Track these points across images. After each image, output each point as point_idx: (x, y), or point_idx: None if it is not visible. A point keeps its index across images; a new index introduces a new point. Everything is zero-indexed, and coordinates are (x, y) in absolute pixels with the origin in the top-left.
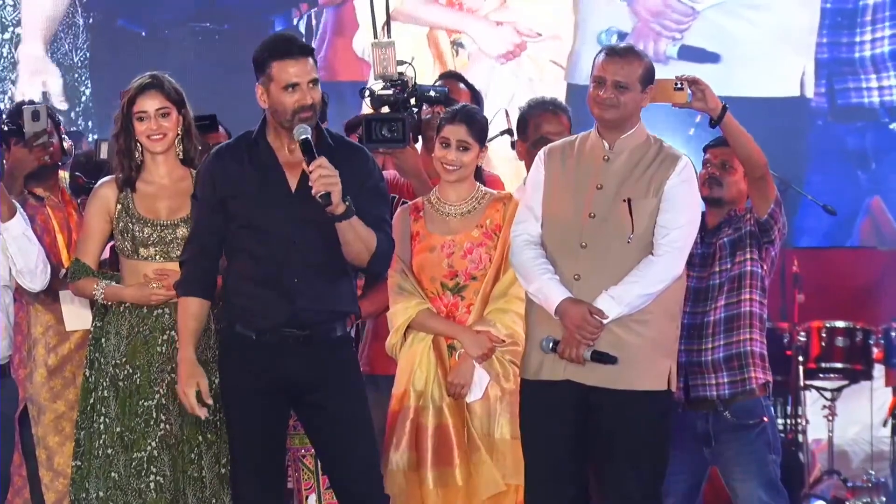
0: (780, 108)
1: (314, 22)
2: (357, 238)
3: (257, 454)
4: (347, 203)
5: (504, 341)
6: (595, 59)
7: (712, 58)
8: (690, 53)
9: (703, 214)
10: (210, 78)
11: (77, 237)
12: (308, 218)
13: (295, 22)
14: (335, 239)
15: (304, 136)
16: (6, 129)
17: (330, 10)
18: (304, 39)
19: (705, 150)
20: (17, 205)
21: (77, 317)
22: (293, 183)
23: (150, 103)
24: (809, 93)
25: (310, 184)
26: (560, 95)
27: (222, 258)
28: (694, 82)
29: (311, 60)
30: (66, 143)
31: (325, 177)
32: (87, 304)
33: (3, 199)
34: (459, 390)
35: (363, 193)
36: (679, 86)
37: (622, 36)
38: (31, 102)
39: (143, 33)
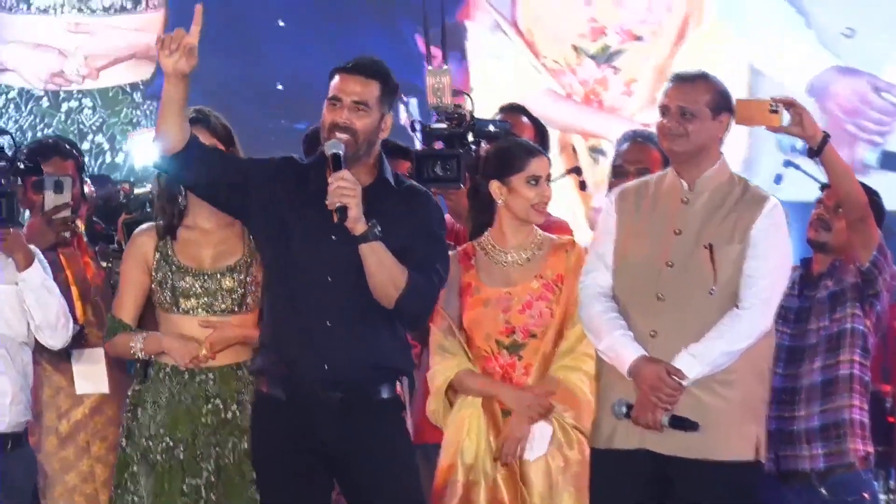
0: None
1: None
2: (380, 267)
3: None
4: (370, 224)
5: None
6: (662, 90)
7: None
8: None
9: (808, 262)
10: None
11: (93, 289)
12: (350, 257)
13: None
14: None
15: (333, 151)
16: (23, 166)
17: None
18: None
19: (822, 188)
20: (37, 252)
21: (89, 379)
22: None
23: None
24: None
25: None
26: None
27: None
28: (791, 104)
29: (375, 85)
30: (87, 188)
31: (343, 188)
32: (101, 365)
33: (20, 246)
34: (514, 447)
35: (414, 231)
36: (774, 108)
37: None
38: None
39: None
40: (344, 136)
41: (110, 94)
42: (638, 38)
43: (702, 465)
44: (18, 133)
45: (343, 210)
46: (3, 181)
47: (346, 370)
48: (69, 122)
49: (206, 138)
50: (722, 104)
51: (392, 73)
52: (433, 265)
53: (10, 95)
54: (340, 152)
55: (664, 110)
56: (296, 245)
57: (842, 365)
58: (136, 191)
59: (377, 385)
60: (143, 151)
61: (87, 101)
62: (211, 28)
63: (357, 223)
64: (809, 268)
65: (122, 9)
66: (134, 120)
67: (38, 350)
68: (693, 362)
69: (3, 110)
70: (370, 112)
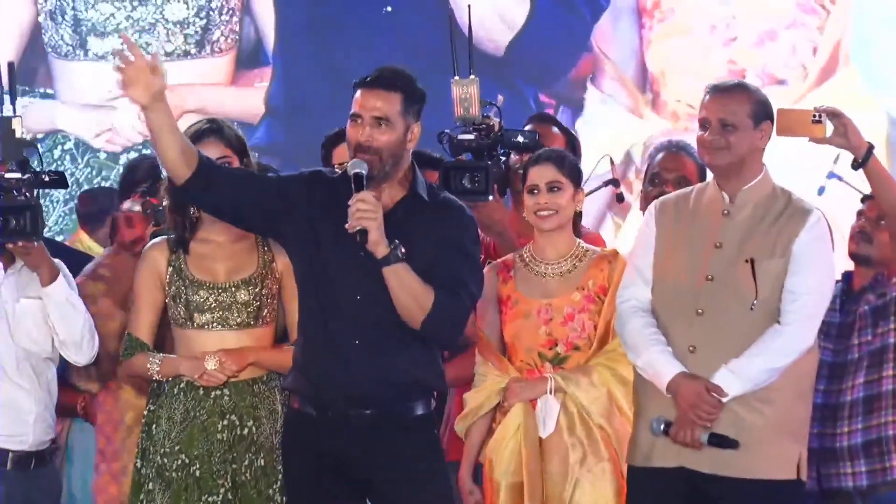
0: None
1: None
2: (404, 290)
3: None
4: (393, 247)
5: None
6: (701, 102)
7: None
8: None
9: (850, 276)
10: None
11: None
12: (379, 274)
13: None
14: None
15: (356, 171)
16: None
17: None
18: None
19: (863, 200)
20: (62, 266)
21: None
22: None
23: (207, 153)
24: None
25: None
26: None
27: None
28: (835, 115)
29: (396, 96)
30: None
31: (363, 210)
32: None
33: (44, 260)
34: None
35: (445, 247)
36: (817, 118)
37: None
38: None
39: None
40: (366, 156)
41: None
42: (781, 83)
43: (742, 484)
44: (75, 186)
45: (364, 233)
46: (27, 194)
47: (374, 387)
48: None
49: (219, 150)
50: (762, 113)
51: (415, 80)
52: (463, 282)
53: (66, 146)
54: (363, 172)
55: (704, 123)
56: (326, 262)
57: (885, 380)
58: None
59: (408, 402)
60: None
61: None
62: None
63: (378, 246)
64: (851, 282)
65: (186, 54)
66: None
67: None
68: (733, 379)
69: (60, 162)
70: (393, 126)
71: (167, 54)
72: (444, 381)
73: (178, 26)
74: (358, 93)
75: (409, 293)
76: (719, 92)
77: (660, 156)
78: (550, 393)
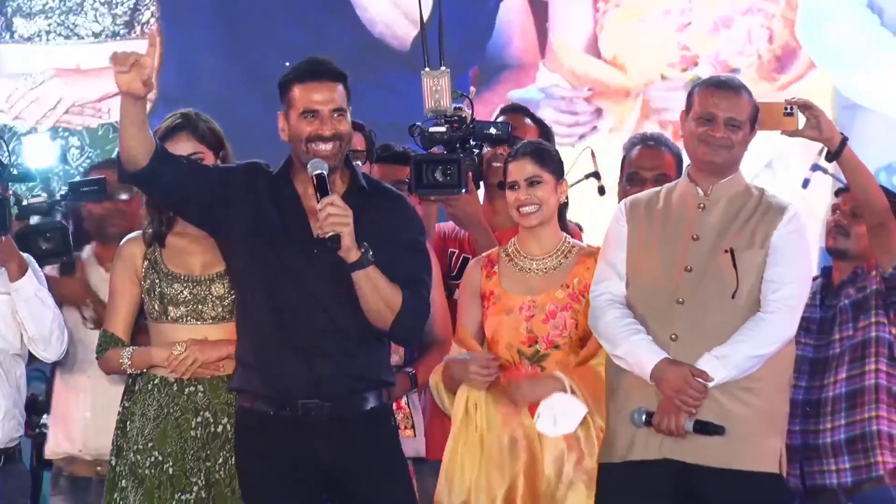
0: None
1: None
2: (375, 293)
3: None
4: (363, 250)
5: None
6: (694, 92)
7: None
8: None
9: (829, 271)
10: None
11: None
12: (332, 271)
13: None
14: None
15: (318, 172)
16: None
17: None
18: None
19: (837, 194)
20: (32, 261)
21: None
22: (317, 231)
23: (179, 148)
24: None
25: (318, 224)
26: None
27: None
28: (807, 107)
29: (341, 88)
30: None
31: (334, 215)
32: None
33: (13, 255)
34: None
35: (395, 246)
36: (789, 110)
37: None
38: None
39: None
40: (329, 146)
41: (100, 133)
42: (733, 71)
43: (728, 476)
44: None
45: (336, 238)
46: None
47: (334, 382)
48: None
49: (192, 145)
50: (755, 116)
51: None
52: (422, 280)
53: None
54: (325, 172)
55: (710, 118)
56: (278, 260)
57: (868, 375)
58: (32, 200)
59: (365, 394)
60: (39, 153)
61: (74, 140)
62: None
63: (350, 251)
64: (830, 277)
65: (114, 35)
66: None
67: None
68: (718, 365)
69: None
70: (346, 115)
71: (94, 35)
72: (393, 375)
73: (107, 6)
74: (300, 89)
75: (380, 295)
76: (727, 87)
77: (636, 151)
78: (570, 391)
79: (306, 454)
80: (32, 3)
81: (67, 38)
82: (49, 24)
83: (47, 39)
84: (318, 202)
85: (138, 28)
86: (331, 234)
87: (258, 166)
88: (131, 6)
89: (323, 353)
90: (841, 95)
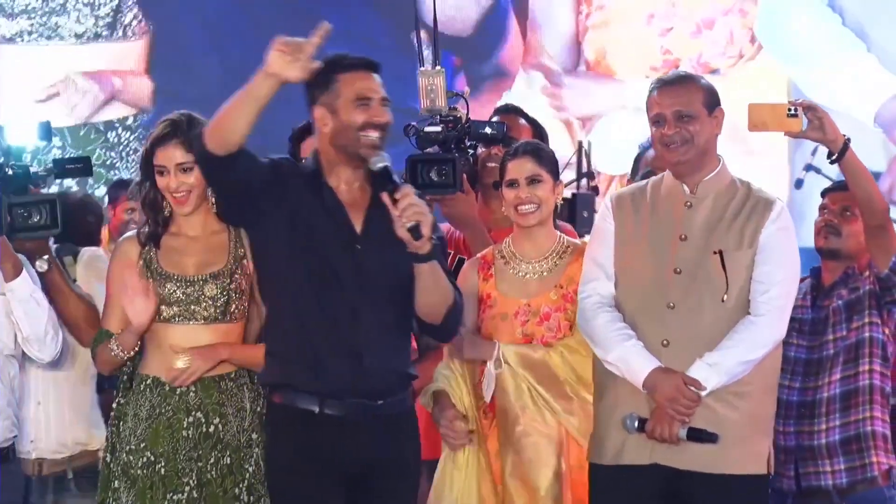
0: None
1: None
2: (437, 285)
3: None
4: (434, 241)
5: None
6: (647, 99)
7: None
8: None
9: (818, 271)
10: None
11: None
12: (375, 266)
13: None
14: (403, 292)
15: (383, 164)
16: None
17: None
18: None
19: (824, 194)
20: (26, 262)
21: None
22: (358, 226)
23: (169, 156)
24: None
25: (397, 215)
26: None
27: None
28: (811, 108)
29: (379, 78)
30: None
31: (414, 205)
32: None
33: (7, 255)
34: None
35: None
36: (793, 111)
37: None
38: None
39: None
40: (378, 134)
41: (81, 134)
42: (714, 72)
43: (717, 480)
44: None
45: (417, 228)
46: None
47: (380, 377)
48: (35, 162)
49: (181, 154)
50: (714, 100)
51: None
52: (451, 274)
53: None
54: (389, 164)
55: (659, 119)
56: (321, 256)
57: (861, 376)
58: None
59: (403, 392)
60: (19, 130)
61: (56, 141)
62: None
63: (426, 244)
64: (820, 277)
65: (97, 36)
66: (108, 162)
67: None
68: (710, 372)
69: None
70: (388, 105)
71: (77, 36)
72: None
73: (89, 7)
74: (351, 77)
75: (441, 289)
76: (668, 84)
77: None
78: (497, 359)
79: (344, 454)
80: (15, 3)
81: (49, 38)
82: (31, 25)
83: (28, 40)
84: (391, 194)
85: (121, 29)
86: (411, 224)
87: (291, 162)
88: (114, 7)
89: (377, 352)
90: (798, 91)
